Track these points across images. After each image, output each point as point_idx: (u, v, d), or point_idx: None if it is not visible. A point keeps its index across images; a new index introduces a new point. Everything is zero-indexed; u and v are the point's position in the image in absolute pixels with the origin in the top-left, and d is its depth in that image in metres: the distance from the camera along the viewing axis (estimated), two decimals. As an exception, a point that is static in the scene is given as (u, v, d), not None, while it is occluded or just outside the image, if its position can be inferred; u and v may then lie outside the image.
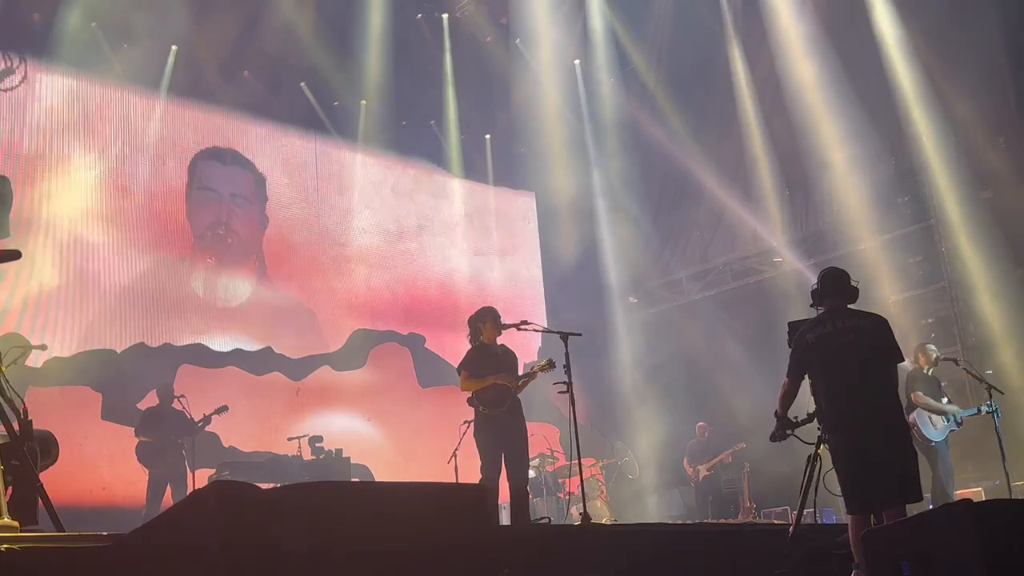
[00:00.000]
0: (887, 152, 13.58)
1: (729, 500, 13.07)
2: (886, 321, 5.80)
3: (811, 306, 6.00)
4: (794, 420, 5.89)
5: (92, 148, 12.20)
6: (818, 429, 5.83)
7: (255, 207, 13.73)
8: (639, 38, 15.37)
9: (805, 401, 5.91)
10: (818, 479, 5.90)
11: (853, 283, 5.92)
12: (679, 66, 15.10)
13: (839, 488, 5.62)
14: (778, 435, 5.93)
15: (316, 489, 3.22)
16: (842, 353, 5.64)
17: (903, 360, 5.82)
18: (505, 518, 9.43)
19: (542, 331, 8.48)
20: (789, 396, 5.86)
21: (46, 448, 5.66)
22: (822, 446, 5.87)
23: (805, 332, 5.80)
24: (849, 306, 5.86)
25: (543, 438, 12.05)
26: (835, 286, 5.88)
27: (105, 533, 4.45)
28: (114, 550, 3.55)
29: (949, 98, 12.58)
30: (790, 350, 5.87)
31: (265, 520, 2.86)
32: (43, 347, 9.88)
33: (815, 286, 5.97)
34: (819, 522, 8.66)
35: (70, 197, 11.84)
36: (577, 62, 15.97)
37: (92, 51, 12.15)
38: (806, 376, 5.84)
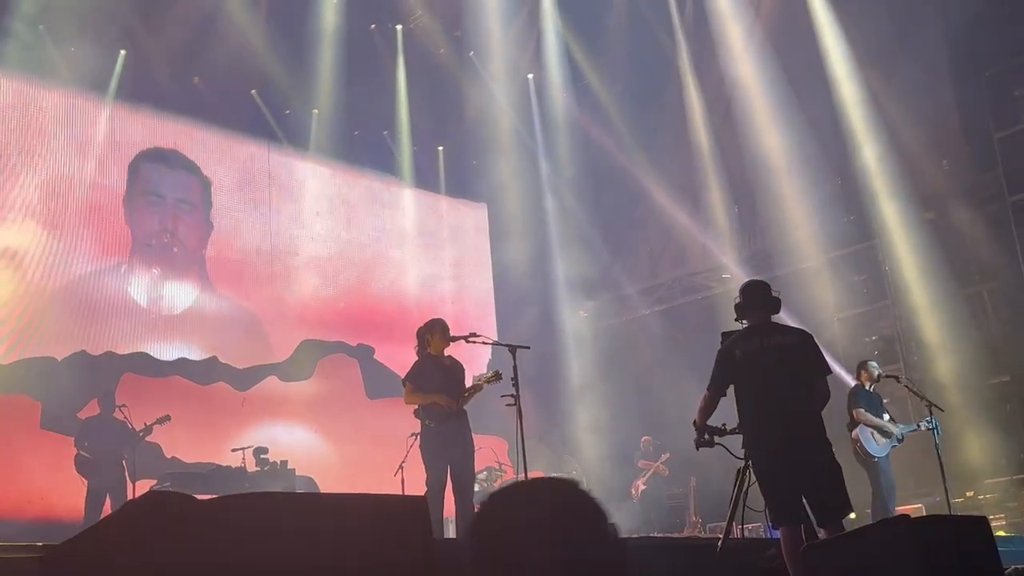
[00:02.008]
0: (833, 172, 13.79)
1: (675, 514, 13.16)
2: (812, 336, 5.81)
3: (736, 320, 5.97)
4: (722, 427, 5.85)
5: (34, 150, 11.97)
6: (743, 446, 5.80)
7: (200, 213, 13.52)
8: (592, 54, 15.48)
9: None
10: (746, 493, 5.84)
11: (774, 294, 5.92)
12: (632, 83, 15.24)
13: (762, 504, 5.61)
14: (702, 442, 5.86)
15: (248, 500, 3.17)
16: (768, 371, 5.60)
17: (830, 372, 5.79)
18: (451, 532, 9.39)
19: (491, 344, 8.46)
20: (709, 409, 5.83)
21: (-21, 457, 5.54)
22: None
23: (732, 347, 5.76)
24: (773, 319, 5.87)
25: (491, 451, 12.00)
26: (758, 299, 5.86)
27: (40, 544, 4.36)
28: (45, 561, 3.48)
29: (894, 121, 12.82)
30: (714, 362, 5.83)
31: (199, 531, 2.82)
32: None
33: (738, 299, 5.94)
34: (764, 536, 8.71)
35: (9, 199, 11.62)
36: (530, 76, 16.02)
37: (38, 53, 11.94)
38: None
